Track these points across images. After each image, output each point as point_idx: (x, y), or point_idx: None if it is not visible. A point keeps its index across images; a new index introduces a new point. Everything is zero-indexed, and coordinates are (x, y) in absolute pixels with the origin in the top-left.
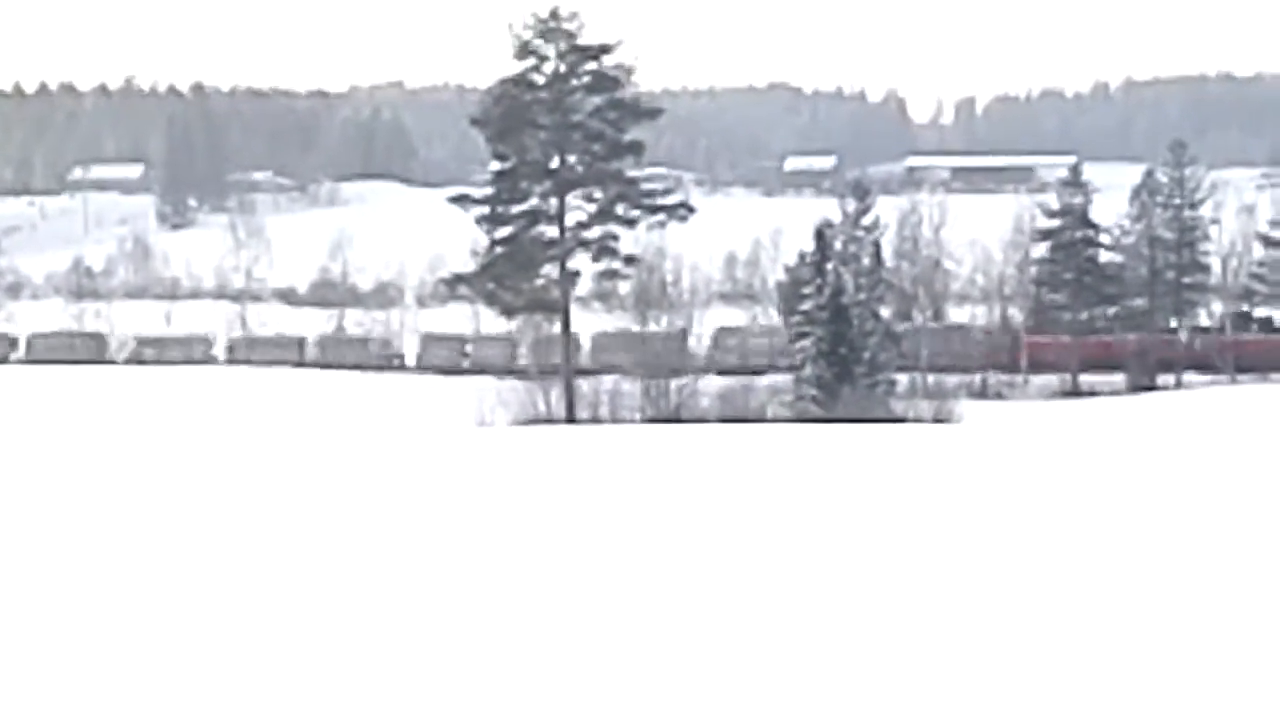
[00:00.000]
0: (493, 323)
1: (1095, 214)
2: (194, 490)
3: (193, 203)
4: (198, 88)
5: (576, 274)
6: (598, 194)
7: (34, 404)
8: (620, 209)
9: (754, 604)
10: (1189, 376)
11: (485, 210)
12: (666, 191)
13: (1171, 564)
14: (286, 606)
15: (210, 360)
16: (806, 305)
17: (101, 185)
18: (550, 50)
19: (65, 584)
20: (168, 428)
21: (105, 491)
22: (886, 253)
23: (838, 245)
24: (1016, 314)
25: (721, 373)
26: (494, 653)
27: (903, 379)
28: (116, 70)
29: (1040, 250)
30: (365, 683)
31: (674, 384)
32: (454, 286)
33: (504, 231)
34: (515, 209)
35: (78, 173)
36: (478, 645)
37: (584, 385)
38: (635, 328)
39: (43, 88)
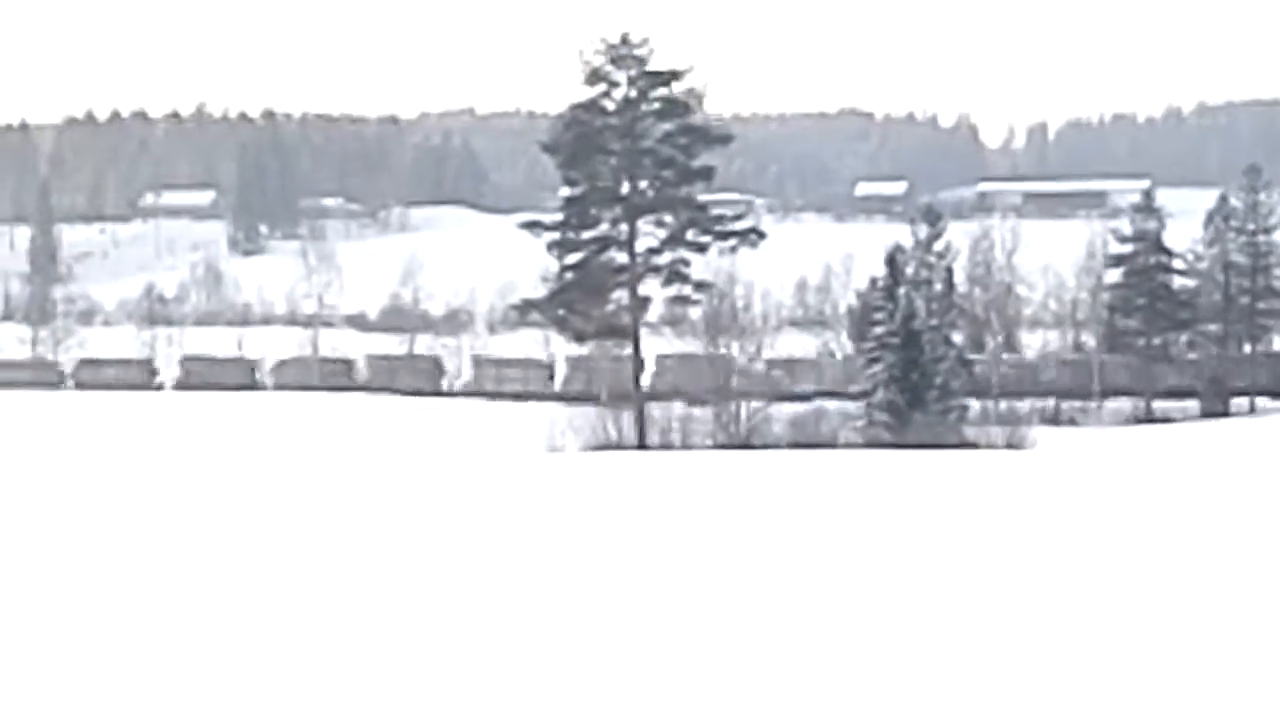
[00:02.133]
0: (564, 348)
1: (1168, 239)
2: (266, 514)
3: (264, 229)
4: (269, 114)
5: (647, 299)
6: (668, 219)
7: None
8: (691, 234)
9: (826, 631)
10: (1262, 402)
11: (556, 236)
12: (737, 217)
13: (1248, 596)
14: (360, 629)
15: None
16: (878, 331)
17: (173, 212)
18: (621, 76)
19: (141, 606)
20: (224, 452)
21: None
22: (958, 278)
23: (909, 271)
24: (1089, 339)
25: (793, 398)
26: (563, 678)
27: (974, 404)
28: (188, 97)
29: (1113, 275)
30: (435, 704)
31: (745, 410)
32: (525, 312)
33: (575, 257)
34: (586, 235)
35: (150, 199)
36: (548, 669)
37: (655, 411)
38: (701, 351)
39: (115, 115)
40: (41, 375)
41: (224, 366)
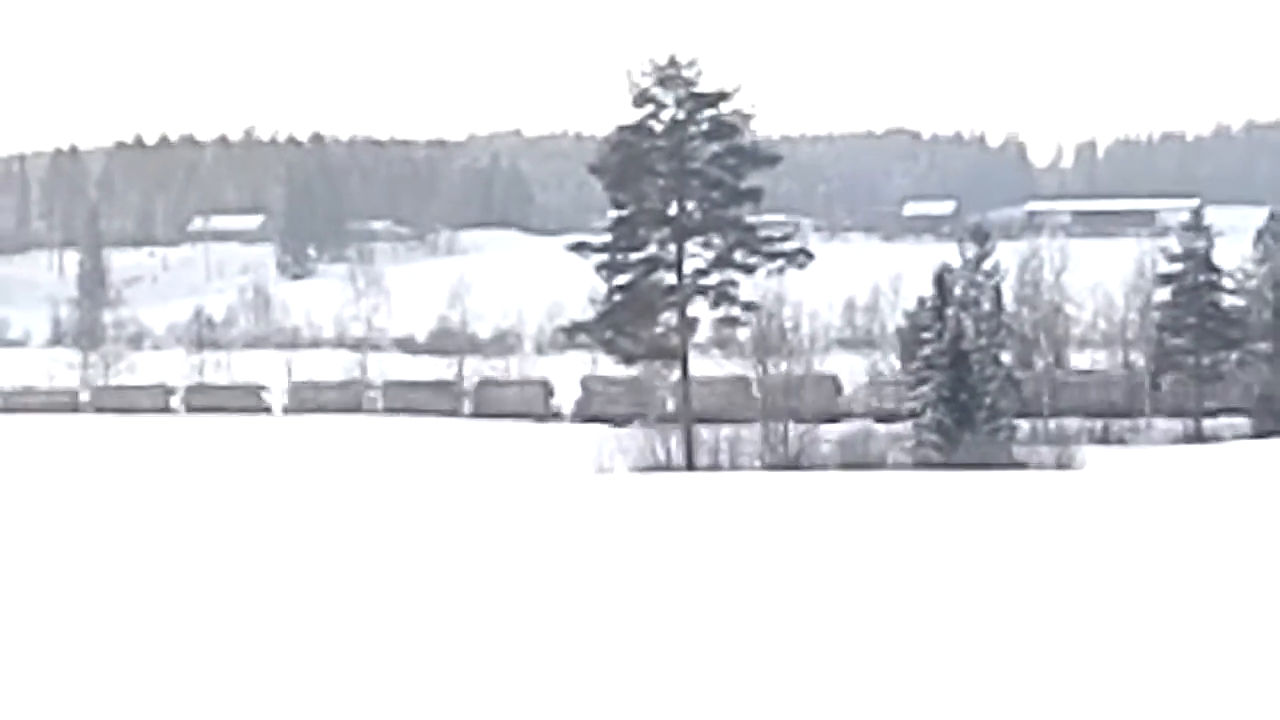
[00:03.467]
0: (611, 370)
1: (1218, 257)
2: (320, 535)
3: (312, 252)
4: (317, 138)
5: (695, 321)
6: (716, 241)
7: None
8: (739, 255)
9: (875, 653)
10: None
11: (604, 258)
12: (785, 238)
13: None
14: (407, 650)
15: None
16: (926, 351)
17: (222, 235)
18: (668, 97)
19: (215, 627)
20: (328, 473)
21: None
22: (1007, 298)
23: (958, 290)
24: (1138, 358)
25: (841, 419)
26: (616, 697)
27: (1024, 424)
28: (236, 121)
29: (1162, 294)
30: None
31: (794, 431)
32: (573, 334)
33: (623, 279)
34: (634, 256)
35: (198, 223)
36: (598, 688)
37: (703, 432)
38: (750, 374)
39: (163, 139)
40: (156, 399)
41: (335, 391)
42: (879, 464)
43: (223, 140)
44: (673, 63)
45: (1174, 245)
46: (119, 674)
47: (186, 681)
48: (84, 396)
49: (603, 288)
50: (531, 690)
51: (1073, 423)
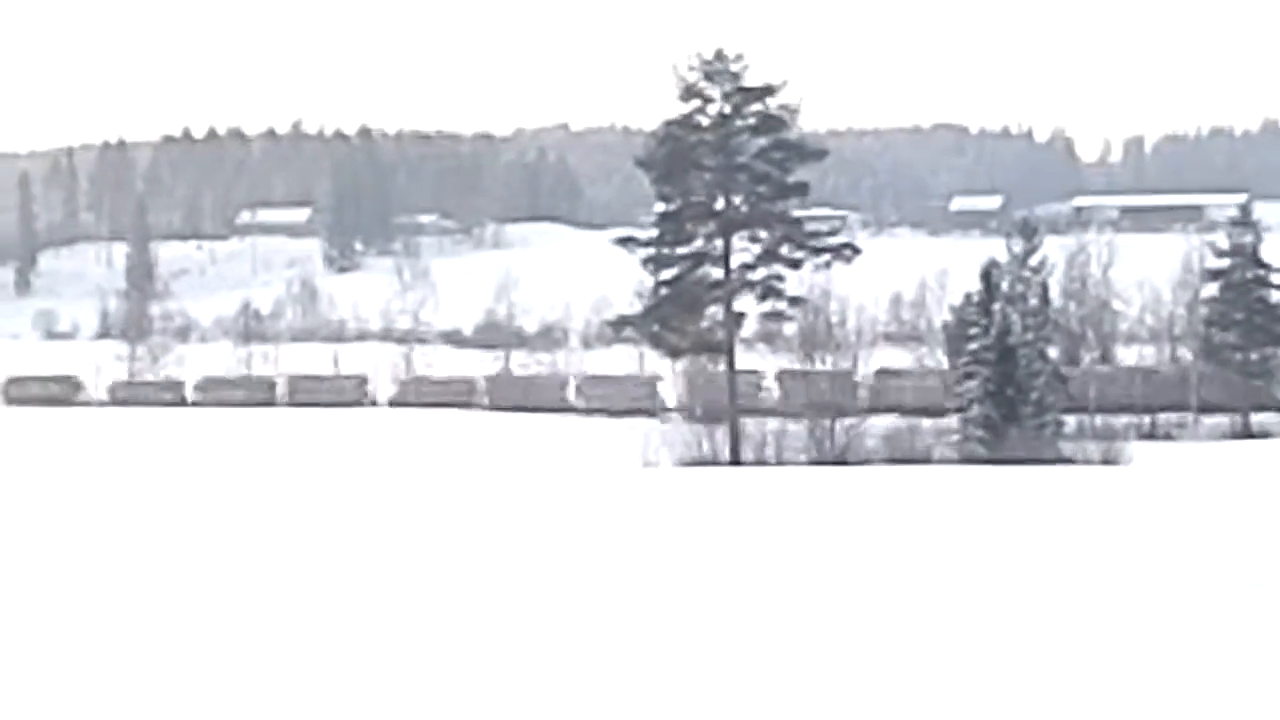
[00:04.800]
0: (657, 364)
1: (1266, 252)
2: (359, 530)
3: (359, 246)
4: (364, 131)
5: (742, 315)
6: (763, 235)
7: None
8: (785, 250)
9: (921, 646)
10: None
11: (650, 252)
12: (832, 232)
13: None
14: (455, 638)
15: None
16: (973, 346)
17: (269, 229)
18: (715, 92)
19: (239, 621)
20: (332, 469)
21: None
22: (1054, 293)
23: (1004, 286)
24: (1186, 354)
25: (888, 412)
26: (657, 694)
27: (1070, 420)
28: (284, 114)
29: (1210, 290)
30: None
31: (840, 426)
32: (619, 328)
33: (669, 273)
34: (680, 250)
35: (245, 216)
36: (640, 685)
37: (749, 426)
38: (801, 366)
39: (211, 133)
40: (254, 394)
41: (445, 386)
42: (925, 459)
43: (270, 133)
44: (720, 57)
45: (1222, 240)
46: (202, 653)
47: (258, 668)
48: (281, 389)
49: (649, 282)
50: (580, 681)
51: (1120, 418)
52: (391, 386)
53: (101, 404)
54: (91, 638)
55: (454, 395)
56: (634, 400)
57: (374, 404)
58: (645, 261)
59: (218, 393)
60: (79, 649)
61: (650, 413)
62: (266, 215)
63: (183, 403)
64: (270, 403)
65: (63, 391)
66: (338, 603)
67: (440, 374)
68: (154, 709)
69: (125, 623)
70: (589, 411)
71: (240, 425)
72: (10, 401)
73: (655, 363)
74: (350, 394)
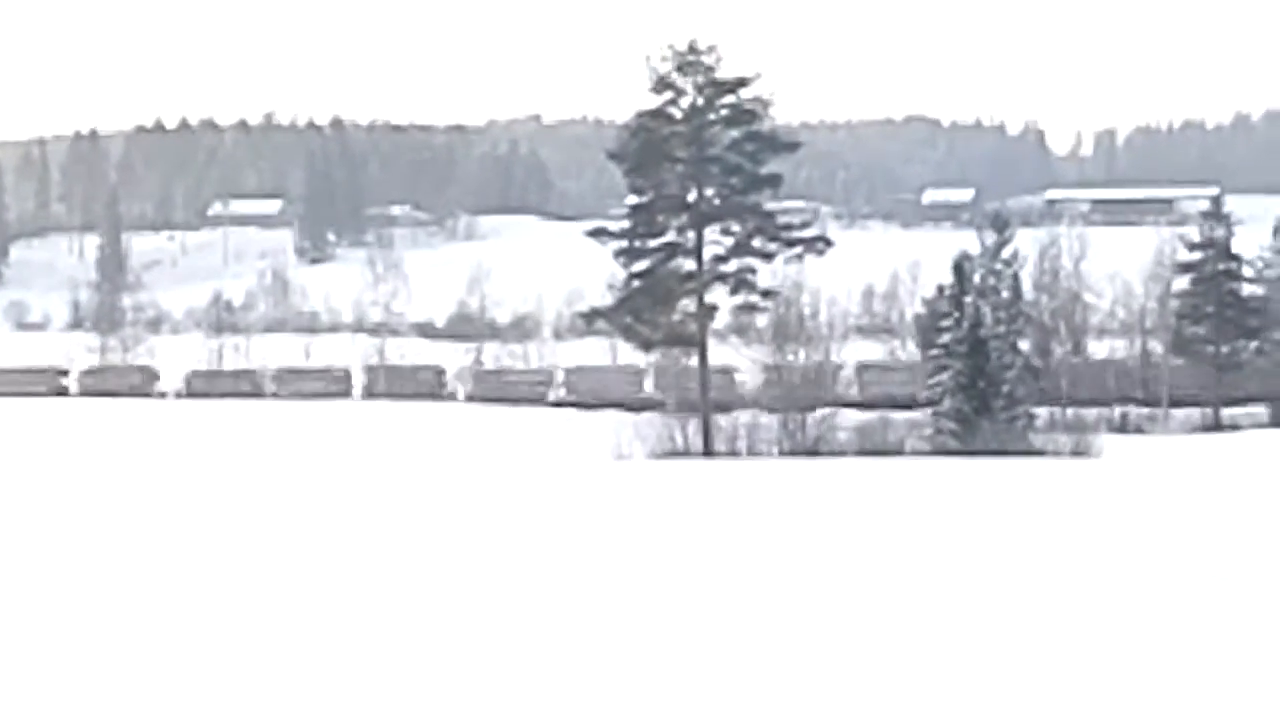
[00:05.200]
0: (629, 356)
1: (1237, 246)
2: (338, 520)
3: (331, 237)
4: (336, 123)
5: (714, 308)
6: (735, 227)
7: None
8: (758, 242)
9: (894, 635)
10: None
11: (622, 244)
12: (804, 225)
13: None
14: (429, 633)
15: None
16: (945, 338)
17: (241, 220)
18: (688, 84)
19: (222, 606)
20: (310, 460)
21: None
22: (1026, 286)
23: (976, 278)
24: (1157, 347)
25: (859, 406)
26: (631, 680)
27: (1042, 412)
28: (256, 106)
29: (1181, 283)
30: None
31: (811, 418)
32: (591, 320)
33: (641, 265)
34: (652, 242)
35: (217, 208)
36: (614, 672)
37: (721, 419)
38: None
39: (183, 123)
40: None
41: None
42: (897, 451)
43: (242, 125)
44: (692, 49)
45: (1193, 234)
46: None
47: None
48: (359, 380)
49: (621, 274)
50: (556, 672)
51: (1091, 411)
52: (362, 377)
53: (178, 395)
54: (82, 628)
55: (427, 387)
56: (623, 393)
57: (369, 397)
58: (617, 254)
59: (296, 385)
60: (69, 639)
61: (629, 406)
62: (238, 206)
63: (259, 394)
64: (252, 395)
65: (143, 382)
66: (315, 595)
67: (411, 363)
68: (143, 699)
69: (116, 613)
70: (562, 404)
71: (223, 417)
72: (85, 392)
73: (629, 355)
74: (333, 387)
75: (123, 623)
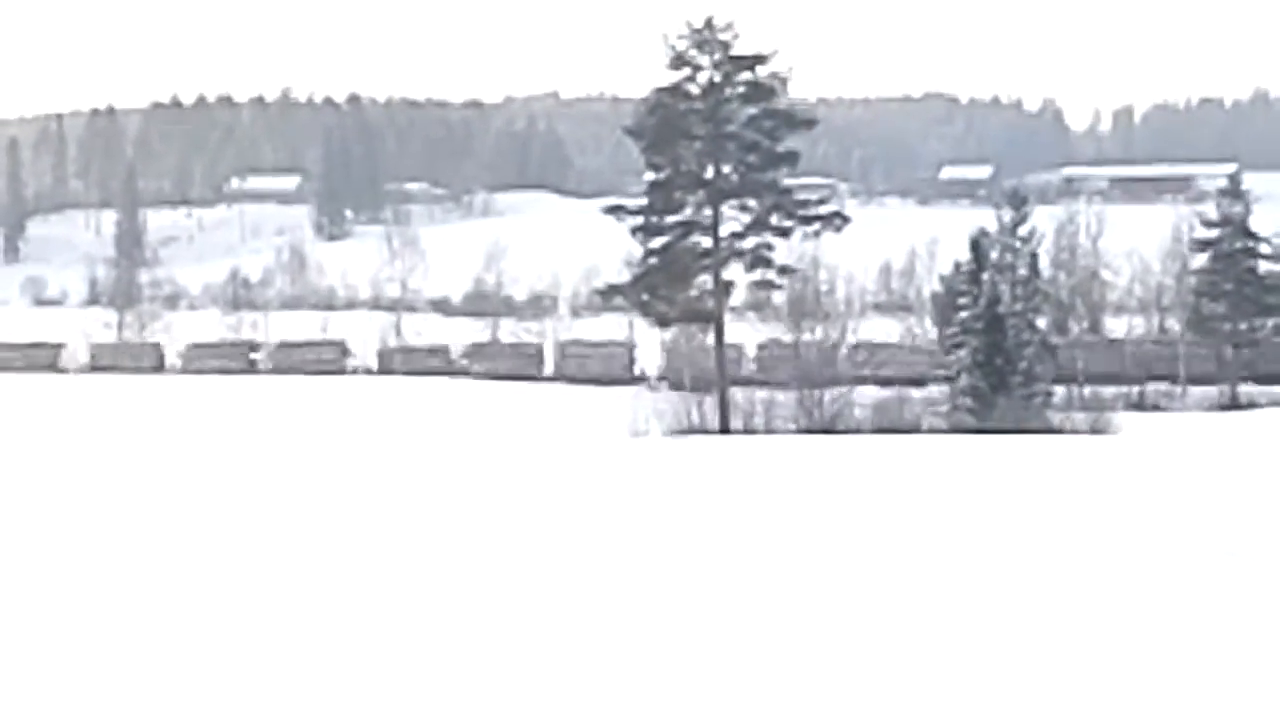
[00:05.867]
0: (647, 333)
1: (1255, 223)
2: (349, 498)
3: (349, 213)
4: (354, 99)
5: (731, 284)
6: (752, 204)
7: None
8: (775, 219)
9: (908, 615)
10: None
11: (639, 220)
12: (821, 201)
13: None
14: (445, 616)
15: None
16: (962, 315)
17: (258, 196)
18: (705, 60)
19: (232, 592)
20: (316, 435)
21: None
22: (1043, 263)
23: (994, 255)
24: (1175, 324)
25: (877, 383)
26: (647, 664)
27: (1059, 390)
28: (273, 82)
29: (1199, 260)
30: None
31: (828, 395)
32: (608, 297)
33: (658, 242)
34: (669, 219)
35: (235, 184)
36: (631, 656)
37: (739, 396)
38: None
39: (200, 100)
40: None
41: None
42: (914, 428)
43: (259, 101)
44: (709, 25)
45: (1211, 211)
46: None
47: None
48: (464, 363)
49: (638, 251)
50: (576, 654)
51: (1108, 389)
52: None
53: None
54: (72, 617)
55: (439, 363)
56: (620, 368)
57: (369, 372)
58: (634, 230)
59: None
60: (61, 628)
61: (630, 381)
62: (256, 182)
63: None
64: (253, 370)
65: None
66: (321, 579)
67: (426, 342)
68: (138, 694)
69: (110, 605)
70: (574, 380)
71: (224, 392)
72: (188, 369)
73: (646, 332)
74: (333, 361)
75: (114, 608)
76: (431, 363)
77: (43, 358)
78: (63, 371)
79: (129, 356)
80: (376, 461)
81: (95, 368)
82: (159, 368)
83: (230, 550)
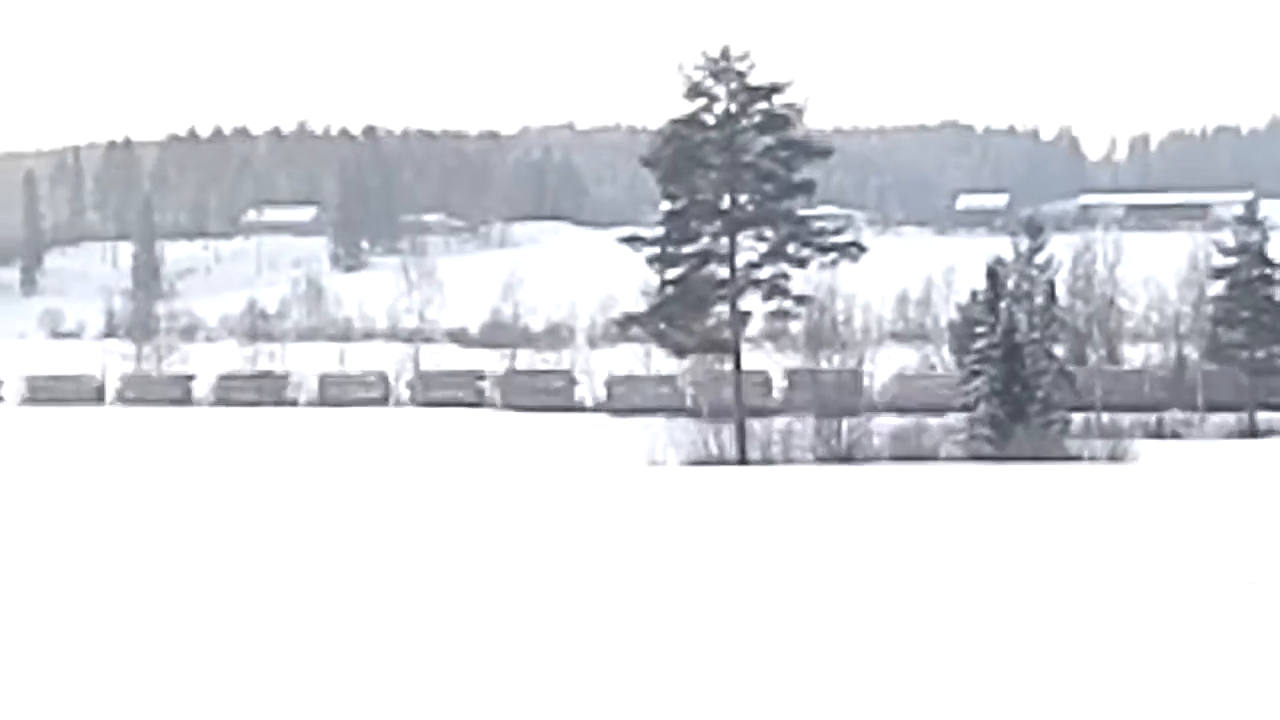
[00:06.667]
0: (663, 363)
1: (1272, 251)
2: (374, 528)
3: (365, 244)
4: (370, 130)
5: (748, 314)
6: (769, 233)
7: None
8: (791, 248)
9: (932, 639)
10: None
11: (656, 250)
12: (838, 230)
13: None
14: (459, 640)
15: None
16: (979, 344)
17: (275, 228)
18: (721, 90)
19: (261, 618)
20: (348, 466)
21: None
22: (1060, 291)
23: (1010, 284)
24: (1192, 352)
25: (895, 412)
26: (664, 688)
27: (1077, 418)
28: (289, 113)
29: (1216, 288)
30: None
31: (846, 424)
32: (625, 327)
33: (675, 272)
34: (686, 249)
35: (251, 215)
36: (642, 684)
37: (756, 425)
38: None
39: (217, 131)
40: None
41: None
42: (932, 456)
43: (276, 132)
44: (725, 55)
45: (1228, 239)
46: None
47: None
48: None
49: (655, 281)
50: (587, 680)
51: (1126, 417)
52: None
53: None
54: (93, 632)
55: (464, 393)
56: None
57: (399, 404)
58: (651, 260)
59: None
60: (94, 647)
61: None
62: (272, 214)
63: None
64: (284, 402)
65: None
66: (345, 602)
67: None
68: (168, 705)
69: (129, 617)
70: (595, 410)
71: (254, 423)
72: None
73: (663, 362)
74: (369, 392)
75: (136, 625)
76: (457, 393)
77: (76, 390)
78: (90, 403)
79: (157, 388)
80: (398, 491)
81: (122, 399)
82: (185, 400)
83: (259, 579)
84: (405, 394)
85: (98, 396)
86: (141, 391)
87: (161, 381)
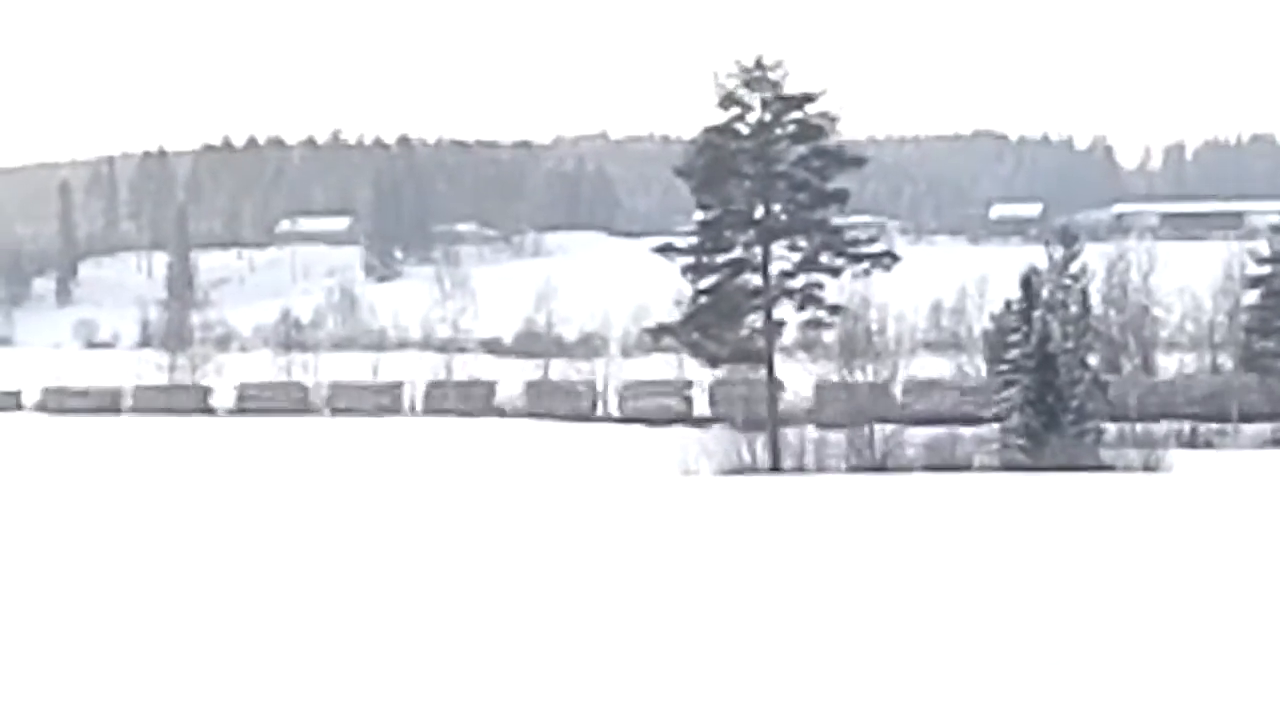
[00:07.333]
0: (697, 373)
1: None
2: (400, 538)
3: (399, 254)
4: (403, 140)
5: (781, 323)
6: (802, 243)
7: (243, 455)
8: (825, 258)
9: (964, 651)
10: None
11: (689, 260)
12: (871, 240)
13: None
14: (490, 648)
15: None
16: (1013, 354)
17: (309, 237)
18: (755, 99)
19: (293, 628)
20: (366, 475)
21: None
22: (1094, 300)
23: (1044, 293)
24: (1227, 361)
25: (927, 422)
26: (698, 695)
27: (1111, 428)
28: (323, 123)
29: (1251, 297)
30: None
31: (879, 434)
32: (658, 336)
33: (708, 281)
34: (719, 258)
35: (285, 225)
36: (679, 685)
37: (789, 434)
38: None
39: (251, 141)
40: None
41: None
42: (965, 466)
43: (310, 142)
44: (759, 64)
45: (1263, 248)
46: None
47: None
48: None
49: (688, 290)
50: (622, 687)
51: (1160, 426)
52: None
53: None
54: (106, 636)
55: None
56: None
57: (414, 412)
58: (684, 270)
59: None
60: (94, 647)
61: (688, 420)
62: (306, 224)
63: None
64: (307, 410)
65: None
66: (371, 611)
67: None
68: (171, 706)
69: (143, 624)
70: (626, 420)
71: (277, 433)
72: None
73: (696, 372)
74: (385, 402)
75: (136, 626)
76: (485, 402)
77: (94, 400)
78: (108, 413)
79: (175, 398)
80: (424, 499)
81: (138, 409)
82: (205, 409)
83: (275, 587)
84: (420, 404)
85: (114, 406)
86: (158, 402)
87: (178, 391)
